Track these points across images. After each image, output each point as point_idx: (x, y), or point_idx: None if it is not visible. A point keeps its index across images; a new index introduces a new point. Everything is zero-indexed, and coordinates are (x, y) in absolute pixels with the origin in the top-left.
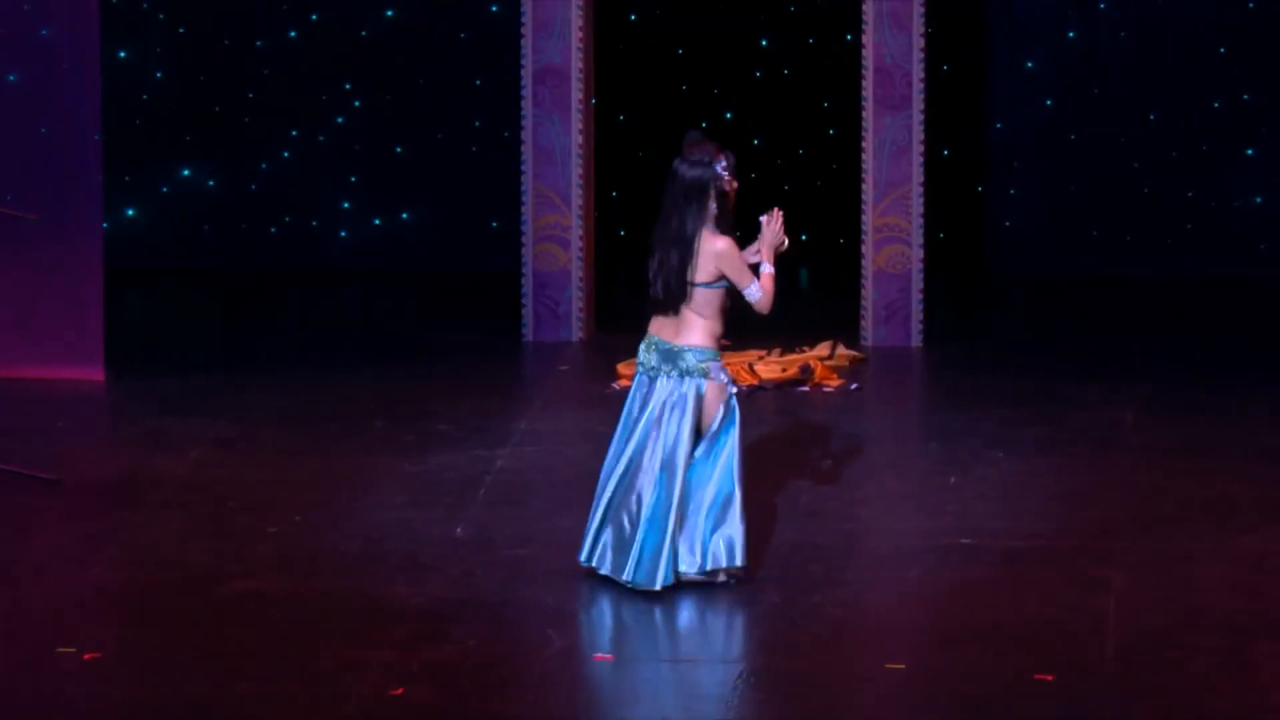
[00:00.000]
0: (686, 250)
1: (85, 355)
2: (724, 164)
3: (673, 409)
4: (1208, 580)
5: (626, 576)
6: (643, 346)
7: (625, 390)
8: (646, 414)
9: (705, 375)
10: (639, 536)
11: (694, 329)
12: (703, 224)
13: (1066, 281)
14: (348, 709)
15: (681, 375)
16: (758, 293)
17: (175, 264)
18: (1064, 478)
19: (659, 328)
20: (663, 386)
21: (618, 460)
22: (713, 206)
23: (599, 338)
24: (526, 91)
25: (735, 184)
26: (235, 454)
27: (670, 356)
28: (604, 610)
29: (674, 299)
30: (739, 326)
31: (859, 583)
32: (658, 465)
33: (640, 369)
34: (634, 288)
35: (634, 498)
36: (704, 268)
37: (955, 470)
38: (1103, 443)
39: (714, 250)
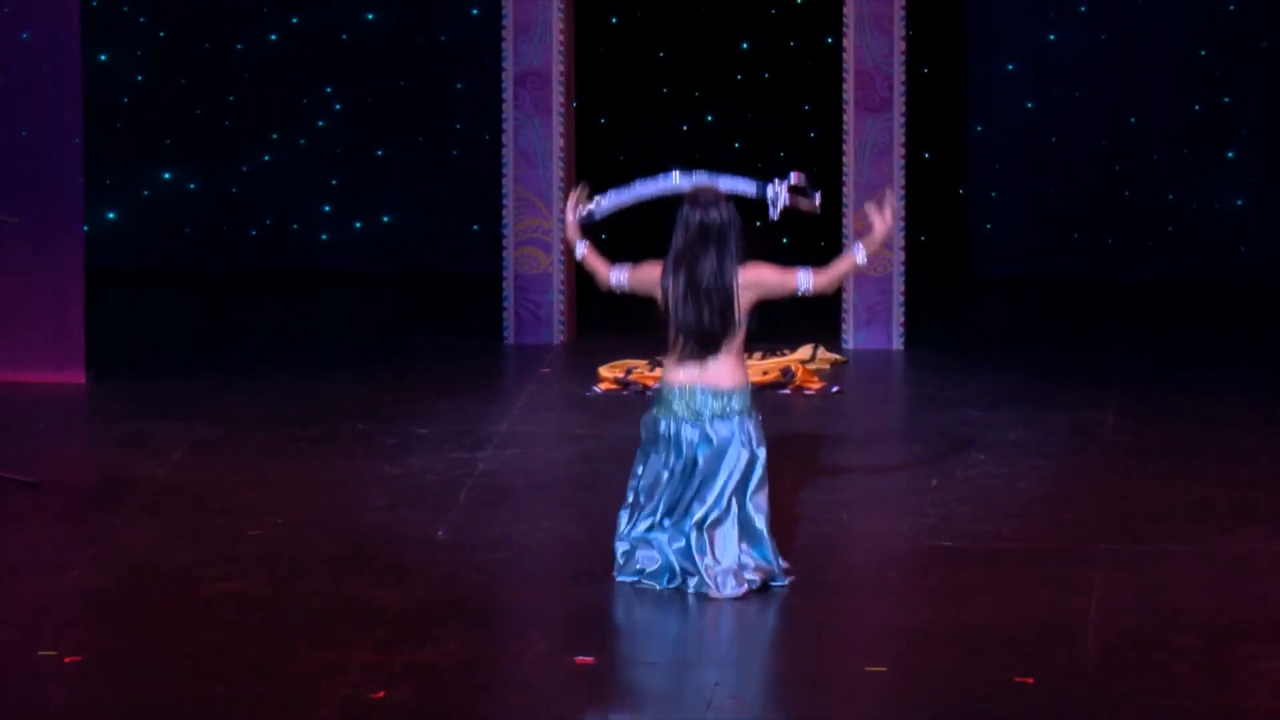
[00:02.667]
0: (729, 296)
1: (66, 357)
2: (772, 190)
3: (729, 446)
4: (1189, 582)
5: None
6: (676, 396)
7: (606, 394)
8: (699, 461)
9: (751, 413)
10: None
11: (735, 369)
12: (735, 264)
13: (1047, 284)
14: (328, 711)
15: (729, 417)
16: (808, 279)
17: (156, 266)
18: (1045, 480)
19: (694, 375)
20: (713, 430)
21: (659, 503)
22: (738, 246)
23: (580, 341)
24: (507, 94)
25: (816, 203)
26: (216, 456)
27: (720, 402)
28: (585, 613)
29: (716, 344)
30: None
31: (839, 585)
32: (726, 496)
33: (675, 419)
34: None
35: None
36: (744, 304)
37: (936, 472)
38: (1083, 445)
39: (751, 281)
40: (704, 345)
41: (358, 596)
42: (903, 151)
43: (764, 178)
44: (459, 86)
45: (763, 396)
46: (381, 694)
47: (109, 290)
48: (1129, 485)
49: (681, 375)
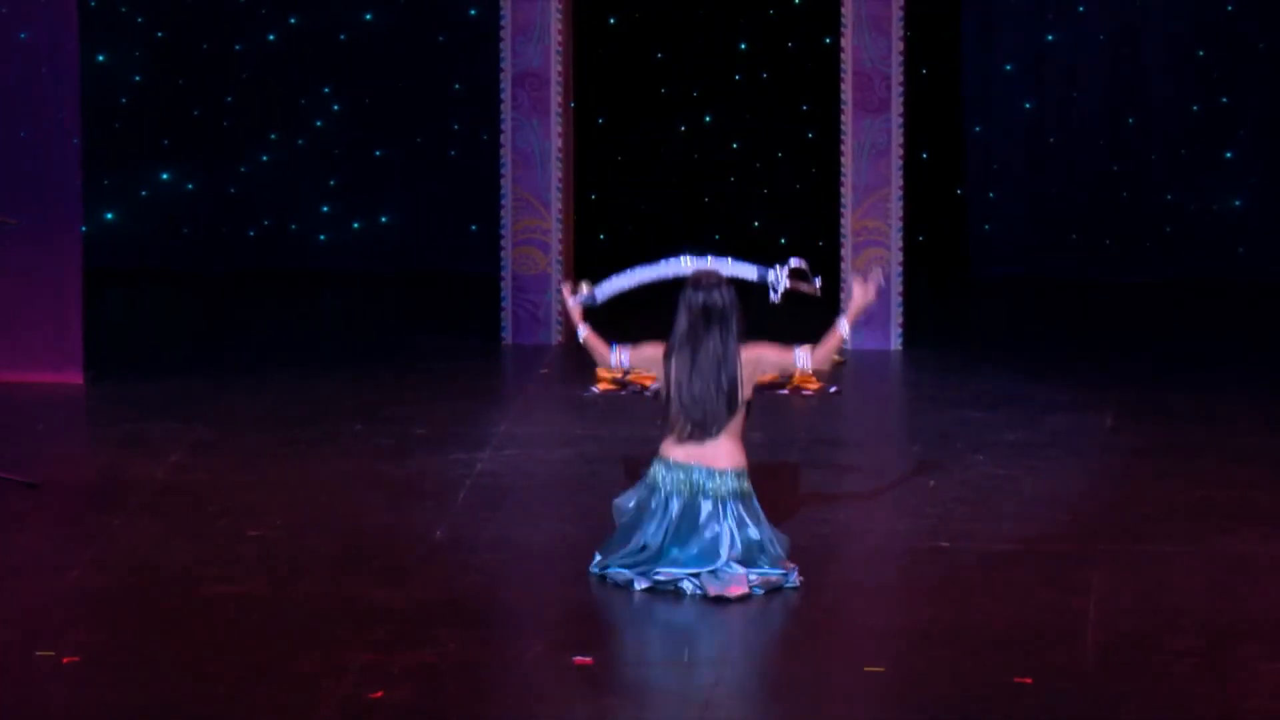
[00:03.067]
0: (734, 378)
1: (64, 358)
2: (773, 275)
3: (725, 517)
4: (1187, 582)
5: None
6: (677, 475)
7: (605, 394)
8: (694, 529)
9: (746, 493)
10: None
11: (735, 449)
12: (738, 346)
13: (1046, 284)
14: (328, 711)
15: (724, 498)
16: (806, 358)
17: (155, 266)
18: (1043, 480)
19: (691, 454)
20: (706, 508)
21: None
22: (739, 327)
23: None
24: (505, 95)
25: (816, 287)
26: (215, 457)
27: (715, 481)
28: (583, 613)
29: (718, 426)
30: None
31: (838, 585)
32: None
33: (671, 492)
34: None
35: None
36: (747, 384)
37: (934, 473)
38: (1082, 445)
39: (752, 360)
40: (705, 427)
41: (358, 596)
42: (901, 152)
43: (761, 180)
44: (457, 87)
45: (762, 396)
46: (381, 694)
47: (109, 290)
48: (1129, 485)
49: (679, 453)
